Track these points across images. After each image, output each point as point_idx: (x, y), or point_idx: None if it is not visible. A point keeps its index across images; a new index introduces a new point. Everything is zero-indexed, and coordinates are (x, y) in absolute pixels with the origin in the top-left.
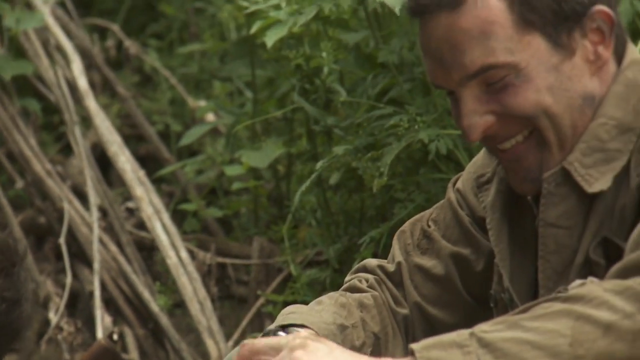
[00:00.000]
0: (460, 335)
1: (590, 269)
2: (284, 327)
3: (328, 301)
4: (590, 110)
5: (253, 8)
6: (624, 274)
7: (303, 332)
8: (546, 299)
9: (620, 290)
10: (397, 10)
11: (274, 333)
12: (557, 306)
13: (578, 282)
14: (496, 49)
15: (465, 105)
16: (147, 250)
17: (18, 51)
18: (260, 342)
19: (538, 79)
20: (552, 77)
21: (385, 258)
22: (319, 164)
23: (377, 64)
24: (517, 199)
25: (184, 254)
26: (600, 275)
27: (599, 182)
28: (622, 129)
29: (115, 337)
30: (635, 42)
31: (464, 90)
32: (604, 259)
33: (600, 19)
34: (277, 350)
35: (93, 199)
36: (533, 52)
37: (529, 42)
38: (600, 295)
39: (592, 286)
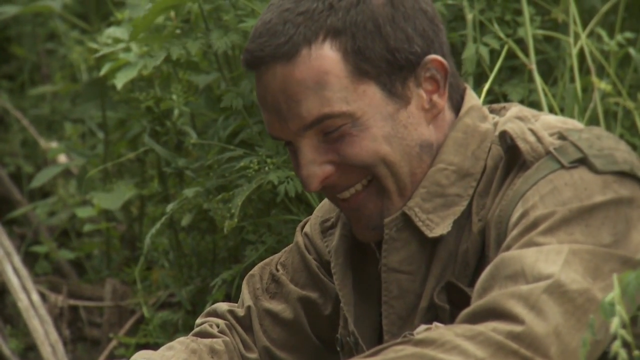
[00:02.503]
0: None
1: (434, 314)
2: None
3: (179, 347)
4: (428, 158)
5: (103, 51)
6: (474, 319)
7: None
8: (397, 342)
9: (472, 336)
10: None
11: None
12: (409, 350)
13: (423, 327)
14: (331, 99)
15: (304, 155)
16: None
17: None
18: None
19: (374, 127)
20: (388, 125)
21: (237, 300)
22: (169, 206)
23: (228, 106)
24: (361, 244)
25: (36, 297)
26: (445, 320)
27: (439, 227)
28: (461, 174)
29: None
30: (480, 86)
31: (302, 141)
32: (448, 304)
33: (433, 67)
34: None
35: None
36: (368, 101)
37: (364, 91)
38: (452, 339)
39: (443, 330)
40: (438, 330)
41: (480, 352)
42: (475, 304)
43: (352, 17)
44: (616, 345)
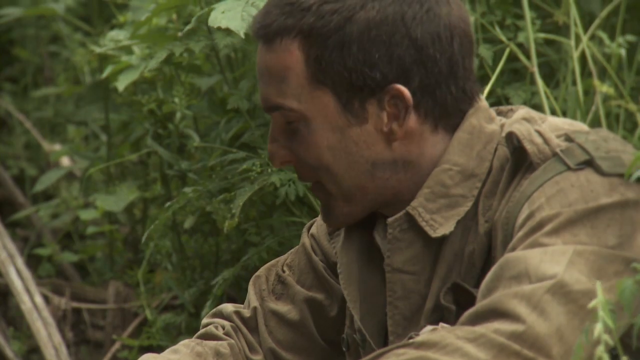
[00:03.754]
0: None
1: (440, 315)
2: None
3: (184, 350)
4: (390, 173)
5: (103, 49)
6: (475, 320)
7: None
8: (399, 345)
9: (474, 338)
10: (241, 33)
11: None
12: (411, 353)
13: (429, 327)
14: (286, 93)
15: (271, 132)
16: (2, 296)
17: None
18: None
19: (320, 135)
20: (335, 138)
21: (238, 300)
22: (168, 204)
23: (233, 108)
24: (368, 243)
25: (39, 299)
26: (451, 321)
27: (443, 227)
28: (466, 174)
29: None
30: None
31: (272, 117)
32: (455, 305)
33: (396, 96)
34: None
35: None
36: (321, 108)
37: (319, 97)
38: (454, 342)
39: (444, 333)
40: (439, 332)
41: (483, 354)
42: (479, 304)
43: (323, 25)
44: (599, 351)
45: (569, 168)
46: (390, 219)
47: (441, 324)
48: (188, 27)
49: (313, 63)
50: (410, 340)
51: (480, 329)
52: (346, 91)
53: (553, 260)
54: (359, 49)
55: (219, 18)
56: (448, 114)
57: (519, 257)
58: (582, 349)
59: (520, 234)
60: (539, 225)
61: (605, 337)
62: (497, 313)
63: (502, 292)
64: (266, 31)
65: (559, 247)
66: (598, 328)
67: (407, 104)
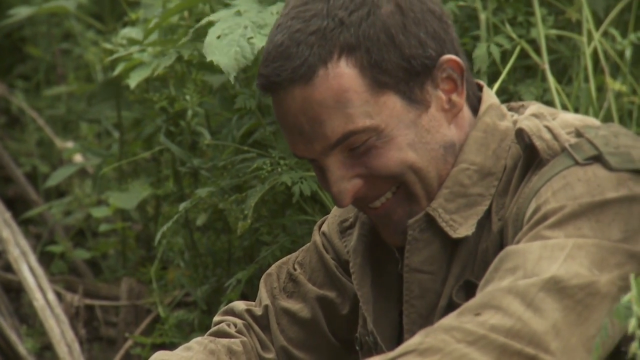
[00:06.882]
0: None
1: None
2: None
3: (197, 347)
4: (452, 158)
5: (118, 54)
6: (471, 312)
7: None
8: (402, 352)
9: (473, 340)
10: (231, 77)
11: None
12: None
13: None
14: (354, 115)
15: (332, 173)
16: (15, 293)
17: None
18: None
19: (399, 137)
20: (412, 133)
21: (252, 298)
22: (182, 205)
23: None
24: (379, 244)
25: (51, 296)
26: None
27: (463, 227)
28: (483, 173)
29: None
30: (491, 85)
31: (329, 159)
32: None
33: (449, 67)
34: None
35: None
36: (390, 112)
37: (384, 102)
38: (456, 347)
39: (444, 337)
40: (437, 336)
41: (487, 357)
42: (475, 298)
43: (364, 30)
44: (634, 347)
45: (576, 163)
46: (410, 221)
47: None
48: (187, 37)
49: (370, 70)
50: (414, 347)
51: (478, 329)
52: (407, 83)
53: (552, 256)
54: (406, 35)
55: (212, 46)
56: (471, 81)
57: (519, 251)
58: (600, 348)
59: (525, 227)
60: (543, 218)
61: None
62: (492, 308)
63: (496, 285)
64: (303, 70)
65: (559, 240)
66: (633, 323)
67: (462, 69)
